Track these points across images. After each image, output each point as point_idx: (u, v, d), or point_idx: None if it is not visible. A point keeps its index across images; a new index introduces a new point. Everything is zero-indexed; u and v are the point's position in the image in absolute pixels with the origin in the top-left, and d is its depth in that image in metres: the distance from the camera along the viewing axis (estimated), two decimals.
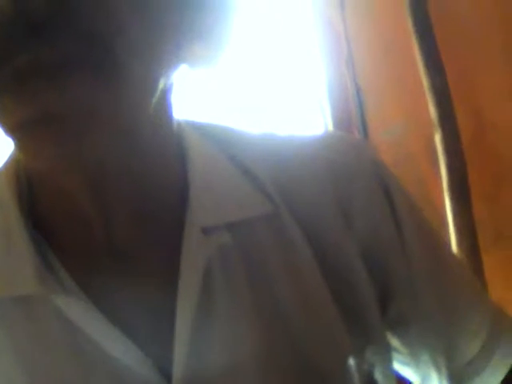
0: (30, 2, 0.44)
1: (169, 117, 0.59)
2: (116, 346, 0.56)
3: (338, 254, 0.63)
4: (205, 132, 0.64)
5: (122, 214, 0.57)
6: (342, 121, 1.61)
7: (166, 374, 0.57)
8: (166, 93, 0.56)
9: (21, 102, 0.47)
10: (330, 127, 1.61)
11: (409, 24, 1.44)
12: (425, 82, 1.43)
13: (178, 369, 0.56)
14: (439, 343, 0.69)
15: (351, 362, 0.62)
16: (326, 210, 0.63)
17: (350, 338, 0.62)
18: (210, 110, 1.52)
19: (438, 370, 0.69)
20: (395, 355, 0.71)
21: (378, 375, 0.66)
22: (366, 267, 0.64)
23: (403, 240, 0.66)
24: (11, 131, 0.49)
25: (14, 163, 0.60)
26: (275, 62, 1.63)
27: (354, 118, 1.61)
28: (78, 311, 0.56)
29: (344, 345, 0.62)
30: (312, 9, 1.65)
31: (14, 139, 0.50)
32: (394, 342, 0.70)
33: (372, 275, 0.64)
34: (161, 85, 0.52)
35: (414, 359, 0.70)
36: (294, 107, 1.65)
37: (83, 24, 0.46)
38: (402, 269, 0.66)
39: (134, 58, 0.48)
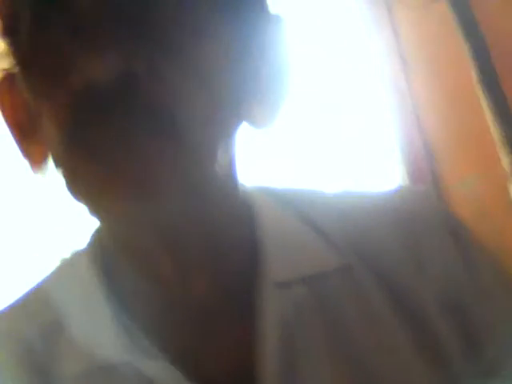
0: (101, 86, 0.47)
1: (235, 178, 0.60)
2: None
3: (414, 302, 0.61)
4: (270, 192, 0.66)
5: (197, 273, 0.58)
6: (416, 176, 1.59)
7: None
8: (230, 155, 0.57)
9: (91, 172, 0.49)
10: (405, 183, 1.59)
11: (473, 75, 1.43)
12: (495, 132, 1.41)
13: None
14: None
15: None
16: (398, 259, 0.63)
17: None
18: (284, 171, 1.54)
19: None
20: None
21: None
22: (446, 316, 0.62)
23: (480, 286, 0.64)
24: (84, 201, 0.51)
25: (97, 234, 0.63)
26: (345, 123, 1.64)
27: (426, 173, 1.59)
28: (161, 375, 0.56)
29: None
30: (374, 67, 1.65)
31: (88, 207, 0.51)
32: None
33: (453, 324, 0.62)
34: (224, 145, 0.54)
35: None
36: (367, 166, 1.65)
37: (148, 99, 0.48)
38: (484, 316, 0.64)
39: (196, 123, 0.50)
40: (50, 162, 0.55)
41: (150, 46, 0.49)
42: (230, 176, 0.59)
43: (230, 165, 0.58)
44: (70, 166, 0.51)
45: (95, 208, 0.52)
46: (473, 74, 1.45)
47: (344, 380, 0.59)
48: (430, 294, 0.62)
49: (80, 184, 0.50)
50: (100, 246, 0.62)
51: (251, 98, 0.56)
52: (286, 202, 0.65)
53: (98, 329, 0.58)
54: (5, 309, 0.64)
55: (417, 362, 0.60)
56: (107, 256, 0.61)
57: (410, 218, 0.65)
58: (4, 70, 0.57)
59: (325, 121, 1.62)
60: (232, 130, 0.55)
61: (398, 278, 0.62)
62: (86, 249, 0.63)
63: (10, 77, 0.57)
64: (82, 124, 0.48)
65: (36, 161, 0.57)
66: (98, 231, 0.63)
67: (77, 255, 0.64)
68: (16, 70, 0.54)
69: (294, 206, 0.65)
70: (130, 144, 0.48)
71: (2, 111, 0.58)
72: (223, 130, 0.54)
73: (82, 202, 0.51)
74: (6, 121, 0.58)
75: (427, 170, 1.59)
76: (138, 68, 0.48)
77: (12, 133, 0.58)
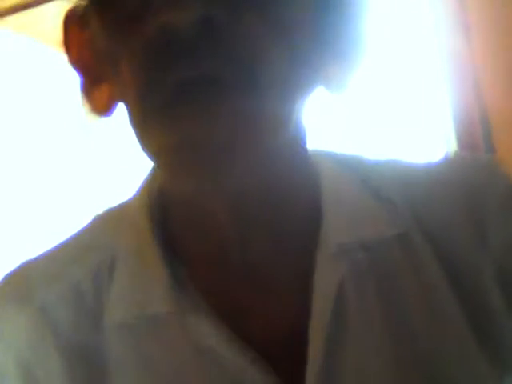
0: (180, 25, 0.45)
1: (302, 142, 0.59)
2: (248, 368, 0.56)
3: (471, 275, 0.61)
4: (335, 158, 0.65)
5: (258, 235, 0.57)
6: (468, 150, 1.55)
7: None
8: (300, 118, 0.56)
9: (166, 127, 0.47)
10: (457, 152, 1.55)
11: None
12: None
13: None
14: None
15: None
16: (459, 230, 0.62)
17: (487, 365, 0.60)
18: (333, 136, 1.53)
19: None
20: None
21: None
22: (502, 290, 0.61)
23: None
24: (154, 155, 0.50)
25: (147, 186, 0.62)
26: (400, 88, 1.62)
27: (480, 147, 1.55)
28: (209, 330, 0.56)
29: (480, 372, 0.60)
30: (436, 35, 1.61)
31: (156, 163, 0.50)
32: None
33: (508, 299, 0.61)
34: (297, 110, 0.53)
35: None
36: (418, 135, 1.62)
37: (228, 48, 0.47)
38: None
39: (274, 82, 0.49)
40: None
41: None
42: (299, 141, 0.58)
43: (300, 129, 0.58)
44: (145, 120, 0.49)
45: (164, 166, 0.50)
46: None
47: (393, 351, 0.59)
48: (490, 270, 0.61)
49: (152, 141, 0.49)
50: (153, 197, 0.61)
51: (330, 59, 0.55)
52: (349, 167, 0.65)
53: (149, 278, 0.58)
54: (51, 250, 0.64)
55: (469, 338, 0.60)
56: (161, 207, 0.61)
57: (475, 189, 0.64)
58: (72, 9, 0.56)
59: (382, 86, 1.60)
60: (308, 93, 0.54)
61: (457, 250, 0.62)
62: (136, 198, 0.63)
63: (79, 17, 0.55)
64: (157, 71, 0.47)
65: (98, 106, 0.56)
66: (149, 181, 0.62)
67: (126, 204, 0.64)
68: (89, 10, 0.52)
69: (357, 171, 0.65)
70: (208, 100, 0.47)
71: (68, 50, 0.57)
72: (300, 92, 0.53)
73: (150, 158, 0.50)
74: (71, 61, 0.57)
75: (481, 145, 1.55)
76: (218, 14, 0.46)
77: (78, 74, 0.56)
